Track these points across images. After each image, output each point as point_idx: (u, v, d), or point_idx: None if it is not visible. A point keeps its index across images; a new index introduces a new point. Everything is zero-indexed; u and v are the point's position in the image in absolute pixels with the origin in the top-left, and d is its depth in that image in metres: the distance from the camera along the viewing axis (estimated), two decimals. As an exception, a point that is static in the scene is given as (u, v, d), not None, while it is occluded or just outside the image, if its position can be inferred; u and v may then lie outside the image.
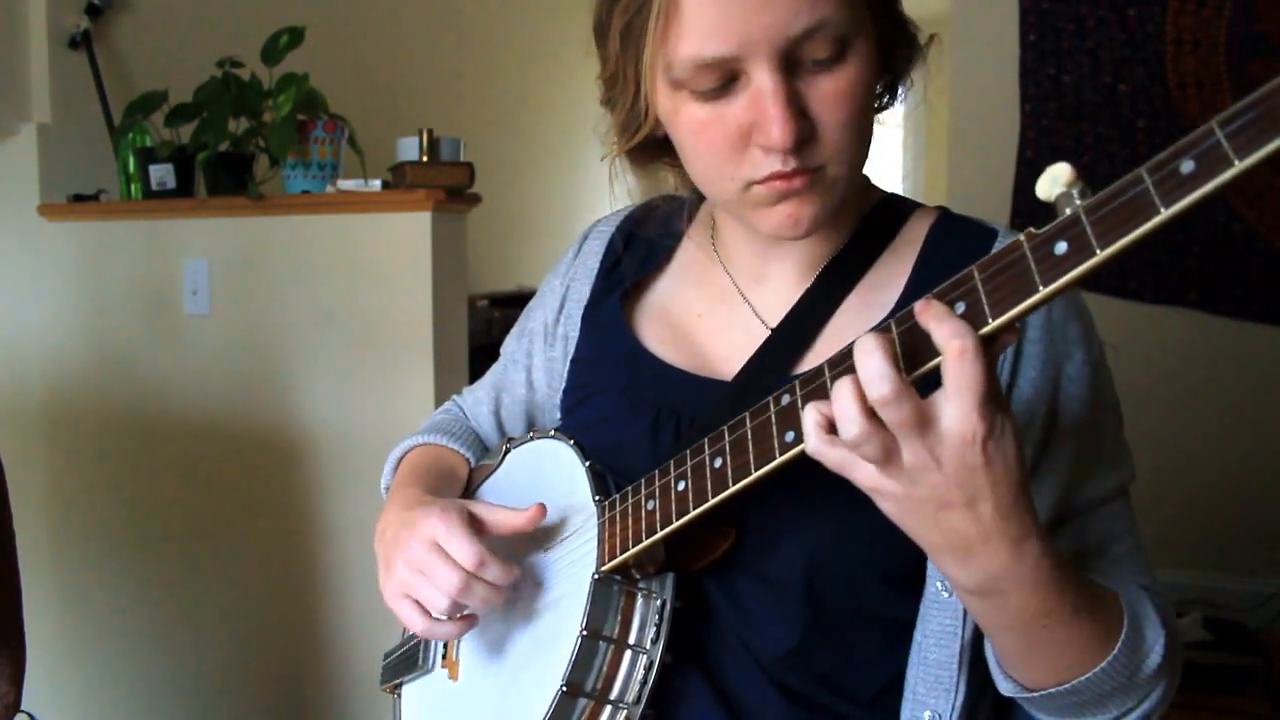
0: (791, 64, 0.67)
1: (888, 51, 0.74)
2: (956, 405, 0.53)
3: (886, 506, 0.59)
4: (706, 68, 0.67)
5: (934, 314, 0.53)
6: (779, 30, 0.65)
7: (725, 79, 0.67)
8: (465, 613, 0.78)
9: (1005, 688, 0.69)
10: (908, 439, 0.54)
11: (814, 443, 0.57)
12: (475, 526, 0.77)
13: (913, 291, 0.77)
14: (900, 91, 0.80)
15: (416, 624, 0.78)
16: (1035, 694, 0.66)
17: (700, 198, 0.91)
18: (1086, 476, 0.74)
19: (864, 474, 0.57)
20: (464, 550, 0.74)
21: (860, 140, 0.72)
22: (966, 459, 0.54)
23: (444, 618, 0.78)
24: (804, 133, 0.67)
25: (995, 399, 0.54)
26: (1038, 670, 0.65)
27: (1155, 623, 0.67)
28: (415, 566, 0.76)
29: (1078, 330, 0.75)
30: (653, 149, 0.82)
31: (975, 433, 0.53)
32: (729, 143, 0.69)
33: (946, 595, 0.72)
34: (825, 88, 0.68)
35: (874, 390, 0.53)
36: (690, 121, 0.70)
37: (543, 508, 0.78)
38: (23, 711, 1.29)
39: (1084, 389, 0.75)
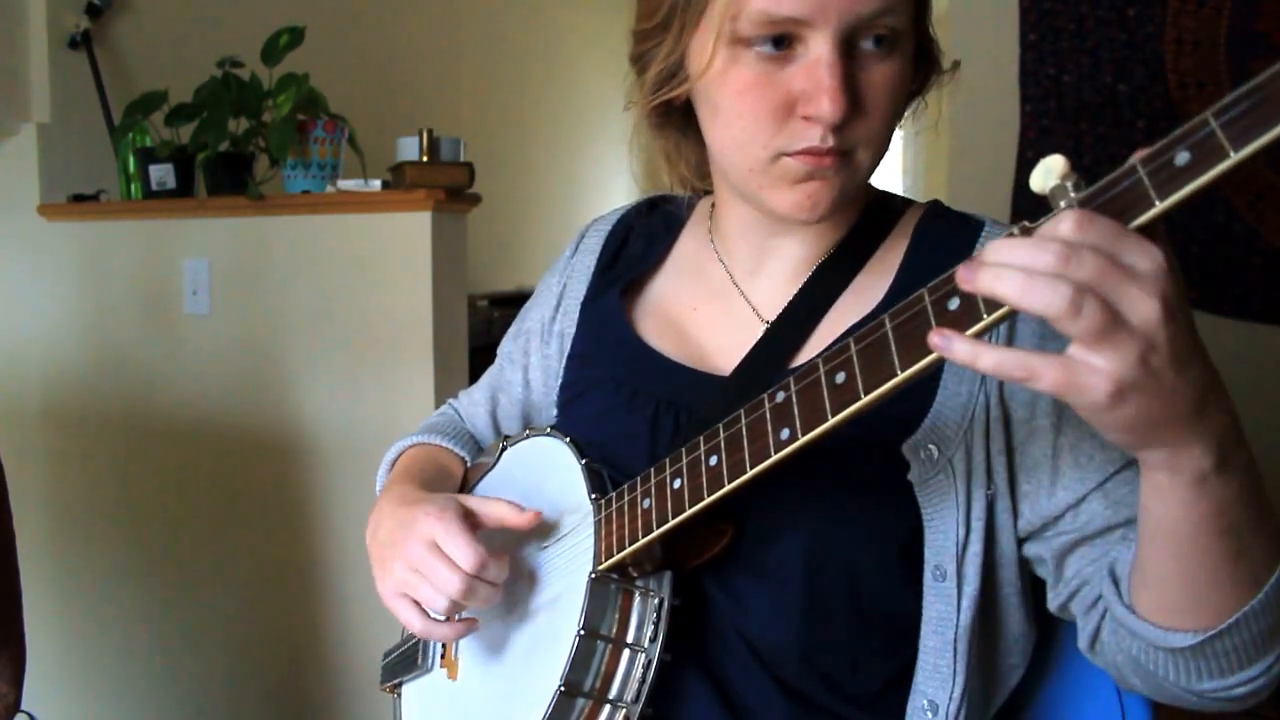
0: (849, 46, 0.68)
1: (915, 66, 0.76)
2: (1136, 240, 0.47)
3: (1128, 409, 0.49)
4: (772, 23, 0.67)
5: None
6: (850, 6, 0.66)
7: (783, 41, 0.68)
8: (465, 615, 0.78)
9: (1180, 640, 0.61)
10: (1120, 285, 0.46)
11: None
12: (470, 521, 0.77)
13: (901, 284, 0.78)
14: (910, 109, 0.81)
15: (414, 624, 0.78)
16: (1218, 629, 0.59)
17: (696, 194, 0.91)
18: None
19: (1107, 367, 0.47)
20: (464, 552, 0.74)
21: (888, 136, 0.73)
22: (1178, 289, 0.47)
23: (442, 618, 0.78)
24: (849, 112, 0.68)
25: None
26: (1232, 588, 0.59)
27: None
28: (413, 566, 0.76)
29: None
30: (675, 118, 0.82)
31: (1165, 256, 0.47)
32: (773, 109, 0.70)
33: (939, 582, 0.72)
34: (876, 74, 0.70)
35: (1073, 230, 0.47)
36: (739, 80, 0.71)
37: (539, 514, 0.77)
38: (23, 711, 1.29)
39: None
